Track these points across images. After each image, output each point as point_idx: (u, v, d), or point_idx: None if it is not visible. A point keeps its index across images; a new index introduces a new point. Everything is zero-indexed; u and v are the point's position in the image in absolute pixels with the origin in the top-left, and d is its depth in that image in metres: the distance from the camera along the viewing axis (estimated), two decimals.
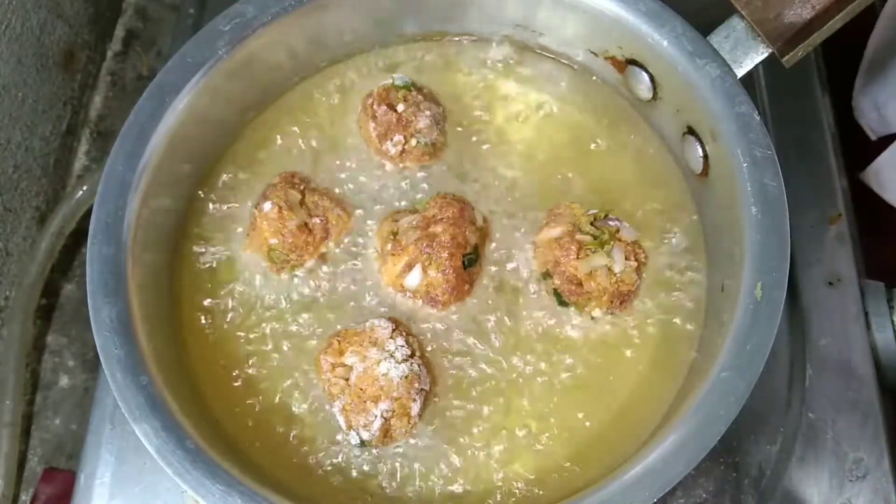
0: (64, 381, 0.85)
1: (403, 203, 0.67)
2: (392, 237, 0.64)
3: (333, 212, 0.65)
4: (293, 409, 0.61)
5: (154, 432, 0.52)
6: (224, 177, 0.68)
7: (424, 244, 0.61)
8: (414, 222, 0.63)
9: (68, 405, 0.84)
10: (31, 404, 0.83)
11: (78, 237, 0.86)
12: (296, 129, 0.70)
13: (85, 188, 0.83)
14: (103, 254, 0.57)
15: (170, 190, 0.63)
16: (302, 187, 0.65)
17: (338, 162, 0.69)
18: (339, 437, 0.60)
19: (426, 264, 0.62)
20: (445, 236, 0.61)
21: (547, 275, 0.63)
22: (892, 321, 0.69)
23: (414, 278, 0.62)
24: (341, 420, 0.59)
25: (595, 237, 0.61)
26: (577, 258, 0.61)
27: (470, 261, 0.63)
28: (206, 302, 0.64)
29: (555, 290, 0.63)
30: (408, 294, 0.63)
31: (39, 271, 0.82)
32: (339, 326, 0.63)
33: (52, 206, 0.88)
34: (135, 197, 0.59)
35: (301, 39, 0.68)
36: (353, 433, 0.58)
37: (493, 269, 0.65)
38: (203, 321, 0.63)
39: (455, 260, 0.62)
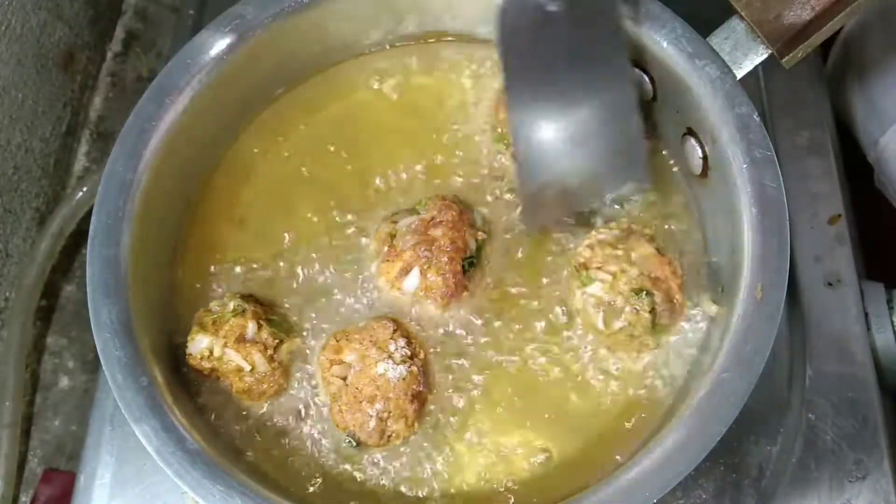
0: (64, 382, 0.85)
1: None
2: (390, 239, 0.64)
3: None
4: (291, 407, 0.61)
5: (154, 433, 0.52)
6: (224, 177, 0.68)
7: (423, 248, 0.61)
8: (412, 225, 0.63)
9: (68, 406, 0.83)
10: (31, 405, 0.83)
11: (78, 238, 0.86)
12: (299, 129, 0.70)
13: (85, 189, 0.83)
14: (103, 255, 0.57)
15: (170, 191, 0.63)
16: None
17: None
18: (336, 438, 0.60)
19: (425, 268, 0.62)
20: (445, 240, 0.61)
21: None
22: (892, 322, 0.69)
23: (411, 282, 0.62)
24: (338, 420, 0.59)
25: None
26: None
27: (470, 264, 0.63)
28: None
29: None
30: (405, 296, 0.63)
31: (39, 272, 0.82)
32: (342, 319, 0.63)
33: (51, 207, 0.88)
34: (135, 198, 0.59)
35: (302, 40, 0.68)
36: (348, 433, 0.58)
37: (493, 269, 0.65)
38: None
39: (454, 264, 0.61)
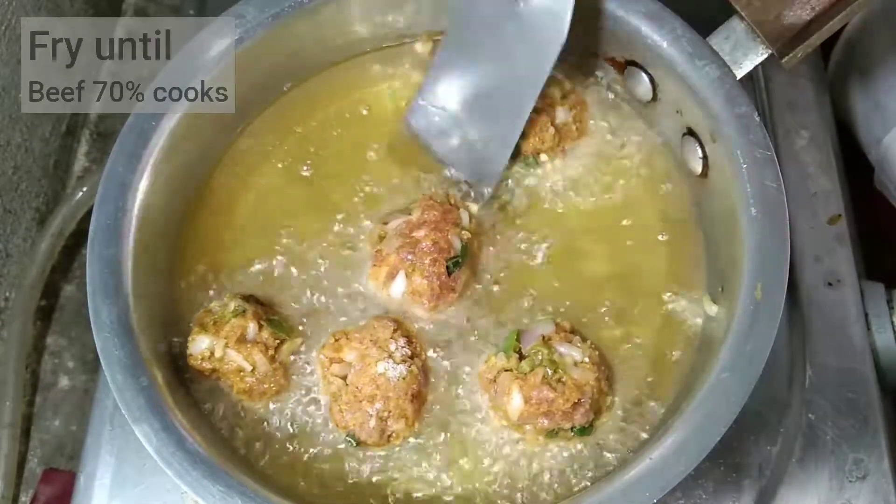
0: (64, 382, 0.85)
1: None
2: (379, 241, 0.64)
3: None
4: (291, 407, 0.61)
5: (154, 433, 0.52)
6: (224, 177, 0.68)
7: (406, 252, 0.61)
8: (399, 227, 0.63)
9: (68, 406, 0.84)
10: (31, 405, 0.83)
11: (78, 238, 0.86)
12: (299, 129, 0.70)
13: (85, 189, 0.83)
14: (103, 255, 0.57)
15: (170, 191, 0.63)
16: None
17: None
18: (335, 437, 0.60)
19: (409, 271, 0.61)
20: (427, 241, 0.61)
21: None
22: (892, 322, 0.69)
23: (398, 287, 0.62)
24: (338, 419, 0.59)
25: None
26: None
27: (455, 264, 0.62)
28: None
29: None
30: (394, 300, 0.63)
31: (39, 272, 0.82)
32: (342, 320, 0.63)
33: (51, 207, 0.88)
34: (135, 197, 0.59)
35: (302, 40, 0.68)
36: (348, 433, 0.58)
37: (489, 265, 0.65)
38: None
39: (438, 266, 0.61)
